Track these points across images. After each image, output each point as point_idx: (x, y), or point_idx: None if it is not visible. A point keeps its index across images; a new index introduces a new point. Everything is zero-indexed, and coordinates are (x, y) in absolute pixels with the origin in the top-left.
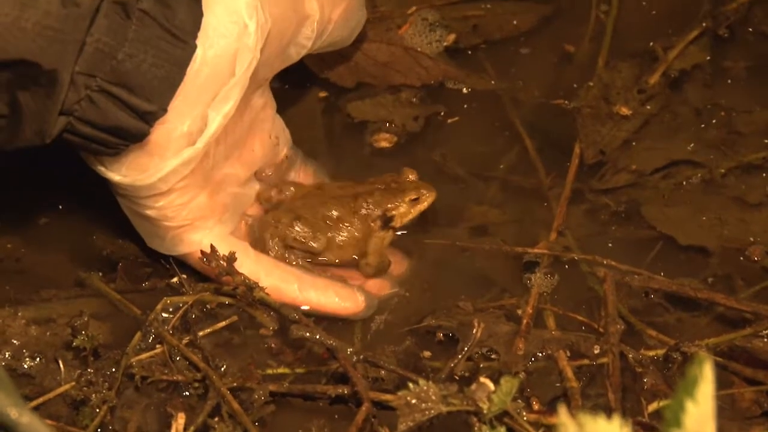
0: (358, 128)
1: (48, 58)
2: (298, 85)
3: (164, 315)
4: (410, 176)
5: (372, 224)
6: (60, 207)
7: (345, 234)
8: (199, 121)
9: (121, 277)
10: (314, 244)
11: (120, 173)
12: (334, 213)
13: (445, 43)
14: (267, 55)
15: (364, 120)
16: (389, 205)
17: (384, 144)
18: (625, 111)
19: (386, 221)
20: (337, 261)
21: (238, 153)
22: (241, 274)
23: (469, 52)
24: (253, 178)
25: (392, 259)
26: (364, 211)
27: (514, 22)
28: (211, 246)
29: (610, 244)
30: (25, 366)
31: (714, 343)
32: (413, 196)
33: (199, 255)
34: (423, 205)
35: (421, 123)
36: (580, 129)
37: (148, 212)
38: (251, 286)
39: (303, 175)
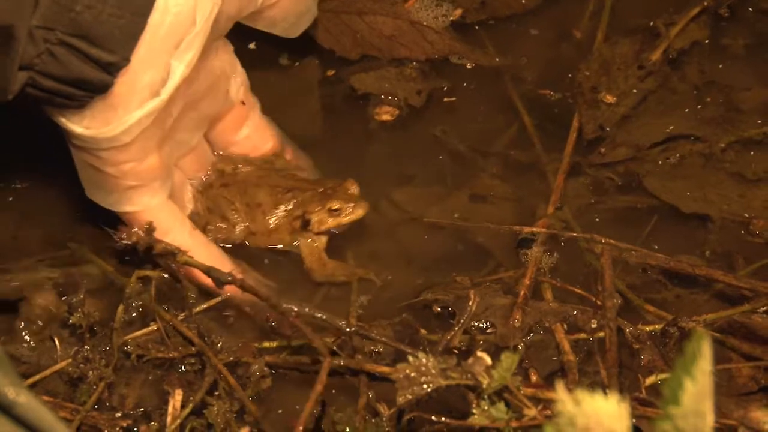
0: (360, 101)
1: (2, 15)
2: (303, 57)
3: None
4: (350, 188)
5: (292, 222)
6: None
7: (258, 222)
8: (162, 71)
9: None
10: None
11: (82, 125)
12: (259, 200)
13: (451, 18)
14: (228, 3)
15: (367, 93)
16: (309, 208)
17: (386, 117)
18: (609, 99)
19: (304, 223)
20: (248, 244)
21: (194, 114)
22: (162, 241)
23: (476, 28)
24: (202, 143)
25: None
26: (284, 207)
27: (522, 0)
28: (128, 218)
29: (608, 218)
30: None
31: (712, 319)
32: (335, 206)
33: (142, 217)
34: (344, 218)
35: (424, 98)
36: (579, 104)
37: (105, 168)
38: (173, 252)
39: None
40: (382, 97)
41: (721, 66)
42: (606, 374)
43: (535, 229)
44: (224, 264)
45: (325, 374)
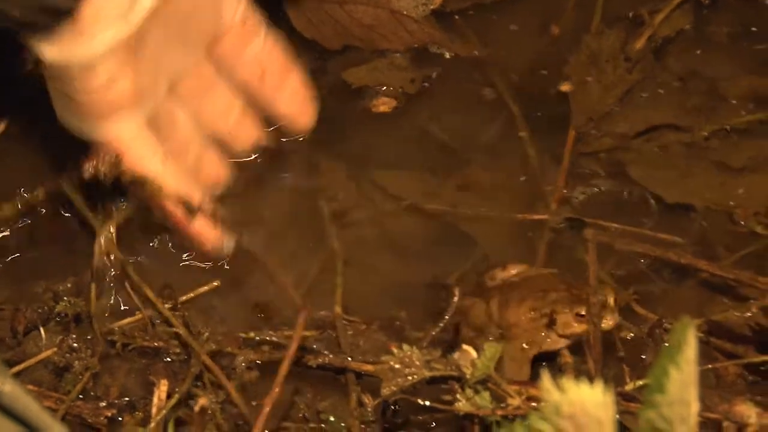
0: (354, 94)
1: None
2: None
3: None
4: (608, 298)
5: (538, 320)
6: None
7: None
8: None
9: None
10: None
11: (52, 53)
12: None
13: (432, 6)
14: None
15: (362, 86)
16: (558, 308)
17: (383, 108)
18: (566, 88)
19: (551, 322)
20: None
21: (179, 36)
22: (131, 170)
23: (456, 17)
24: (202, 66)
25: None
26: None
27: None
28: (101, 147)
29: (595, 208)
30: None
31: (696, 317)
32: (583, 312)
33: (114, 145)
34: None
35: (418, 85)
36: (571, 97)
37: (77, 96)
38: (143, 181)
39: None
40: (377, 88)
41: (704, 55)
42: (592, 366)
43: (537, 217)
44: (198, 196)
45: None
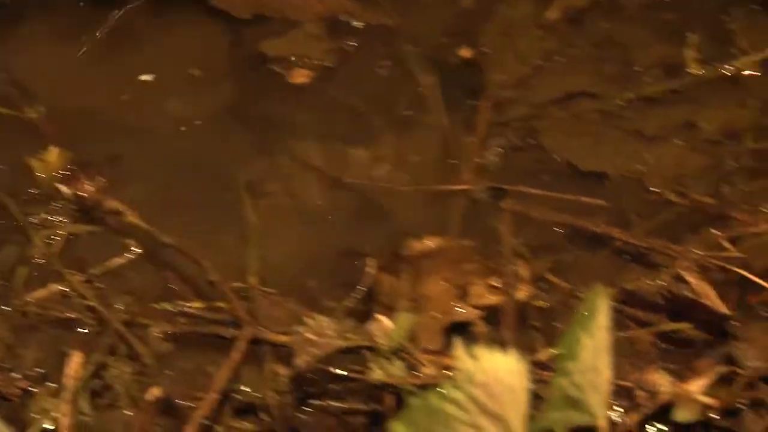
0: (271, 66)
1: None
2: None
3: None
4: (520, 270)
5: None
6: None
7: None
8: None
9: None
10: None
11: None
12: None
13: None
14: None
15: (279, 57)
16: (470, 279)
17: (300, 79)
18: (466, 53)
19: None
20: None
21: None
22: (111, 199)
23: None
24: None
25: None
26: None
27: None
28: None
29: (510, 177)
30: None
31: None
32: (497, 283)
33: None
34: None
35: (334, 56)
36: (485, 66)
37: None
38: (121, 210)
39: None
40: (294, 59)
41: (618, 24)
42: (506, 336)
43: (454, 187)
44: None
45: (244, 344)
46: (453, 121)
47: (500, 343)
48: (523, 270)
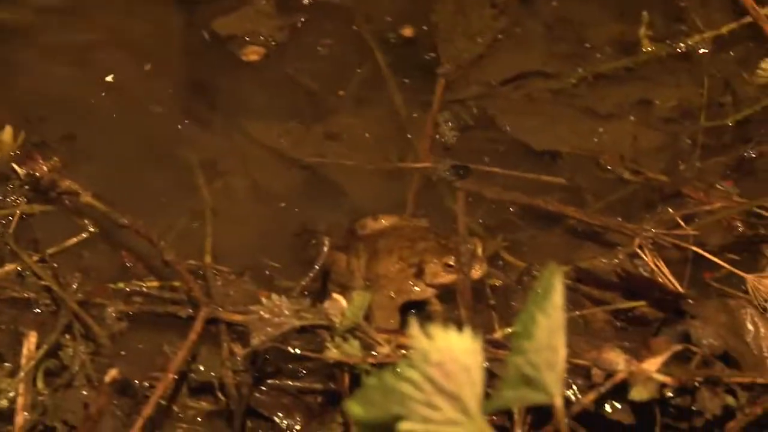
0: (223, 44)
1: None
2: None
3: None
4: (476, 248)
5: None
6: None
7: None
8: None
9: None
10: None
11: None
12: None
13: None
14: None
15: (231, 35)
16: (426, 258)
17: (253, 57)
18: (408, 32)
19: (419, 272)
20: None
21: None
22: (67, 180)
23: None
24: None
25: None
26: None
27: None
28: None
29: (464, 155)
30: None
31: (563, 264)
32: (452, 262)
33: None
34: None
35: (286, 33)
36: (439, 45)
37: None
38: (77, 191)
39: None
40: (246, 37)
41: (571, 2)
42: (462, 314)
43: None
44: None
45: (201, 324)
46: (406, 99)
47: (456, 322)
48: (479, 249)
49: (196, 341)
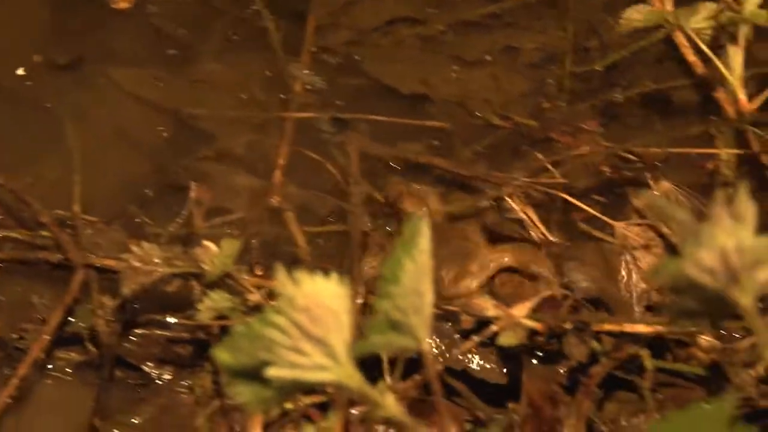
0: None
1: None
2: None
3: None
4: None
5: None
6: None
7: None
8: None
9: None
10: None
11: None
12: None
13: None
14: None
15: None
16: None
17: (122, 5)
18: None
19: None
20: None
21: None
22: None
23: None
24: None
25: None
26: None
27: None
28: None
29: (334, 101)
30: None
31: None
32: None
33: None
34: None
35: None
36: None
37: None
38: None
39: None
40: None
41: None
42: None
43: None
44: None
45: (77, 286)
46: (277, 47)
47: (323, 269)
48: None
49: (70, 303)
